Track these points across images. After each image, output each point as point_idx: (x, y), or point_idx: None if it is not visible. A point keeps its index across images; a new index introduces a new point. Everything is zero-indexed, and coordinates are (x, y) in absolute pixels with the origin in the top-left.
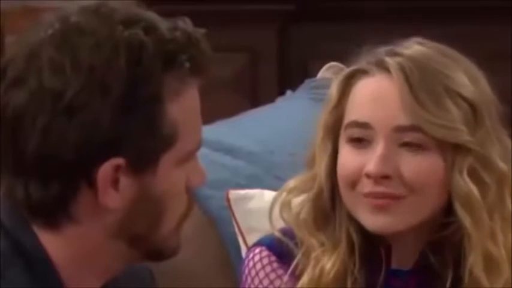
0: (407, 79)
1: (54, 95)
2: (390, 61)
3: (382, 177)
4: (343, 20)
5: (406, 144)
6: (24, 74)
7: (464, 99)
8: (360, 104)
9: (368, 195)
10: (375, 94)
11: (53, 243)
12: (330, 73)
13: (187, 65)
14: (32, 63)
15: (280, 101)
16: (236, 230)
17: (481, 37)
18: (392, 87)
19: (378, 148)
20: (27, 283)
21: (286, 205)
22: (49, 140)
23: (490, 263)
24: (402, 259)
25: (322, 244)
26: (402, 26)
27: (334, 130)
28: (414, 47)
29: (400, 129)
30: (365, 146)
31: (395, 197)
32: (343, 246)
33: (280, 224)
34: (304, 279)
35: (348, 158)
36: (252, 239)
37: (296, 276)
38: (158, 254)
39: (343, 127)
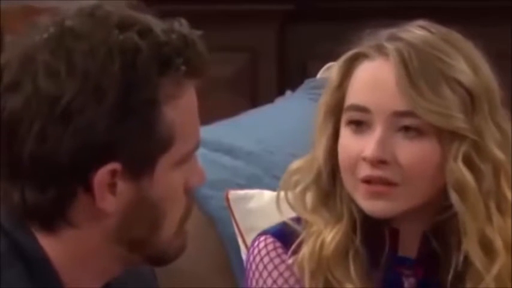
0: (405, 65)
1: (50, 99)
2: (389, 46)
3: (379, 162)
4: (342, 20)
5: (404, 129)
6: (19, 78)
7: (462, 85)
8: (360, 88)
9: (365, 179)
10: (374, 79)
11: (52, 246)
12: (330, 73)
13: (183, 68)
14: (27, 68)
15: (279, 101)
16: (236, 230)
17: (481, 37)
18: (390, 73)
19: (376, 133)
20: (26, 284)
21: (291, 186)
22: (45, 145)
23: (486, 249)
24: (407, 244)
25: (324, 220)
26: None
27: (334, 112)
28: (415, 31)
29: (397, 115)
30: (364, 130)
31: (390, 184)
32: (345, 220)
33: (286, 212)
34: (304, 251)
35: (348, 141)
36: (251, 239)
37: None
38: (161, 258)
39: (344, 110)
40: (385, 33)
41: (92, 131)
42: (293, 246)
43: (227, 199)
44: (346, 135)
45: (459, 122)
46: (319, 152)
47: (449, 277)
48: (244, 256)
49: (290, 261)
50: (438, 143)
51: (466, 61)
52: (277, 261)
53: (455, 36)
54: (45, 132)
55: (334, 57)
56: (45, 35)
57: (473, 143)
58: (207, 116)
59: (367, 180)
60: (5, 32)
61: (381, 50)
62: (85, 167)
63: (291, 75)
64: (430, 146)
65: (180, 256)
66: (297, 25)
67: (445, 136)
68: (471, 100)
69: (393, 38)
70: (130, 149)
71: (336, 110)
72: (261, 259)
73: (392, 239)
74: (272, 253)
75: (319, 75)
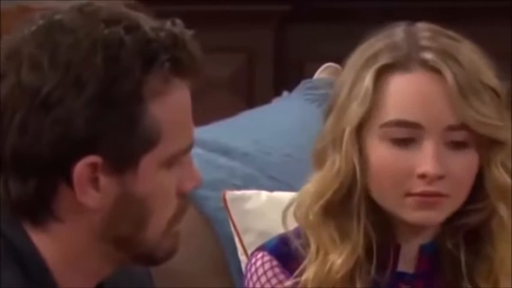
0: (455, 77)
1: (31, 90)
2: (432, 58)
3: (438, 178)
4: (339, 20)
5: (452, 143)
6: (5, 70)
7: (495, 91)
8: (405, 102)
9: (420, 194)
10: (419, 92)
11: (43, 242)
12: (327, 74)
13: (167, 64)
14: (13, 59)
15: (276, 102)
16: (232, 230)
17: (481, 37)
18: (438, 86)
19: (430, 148)
20: (22, 285)
21: (301, 205)
22: (25, 136)
23: None
24: (406, 258)
25: (332, 239)
26: None
27: (361, 127)
28: (440, 39)
29: (450, 129)
30: (409, 146)
31: (443, 196)
32: (360, 243)
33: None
34: (310, 272)
35: (393, 157)
36: (248, 240)
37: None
38: (149, 258)
39: (378, 125)
40: (404, 41)
41: (70, 122)
42: (296, 272)
43: (224, 199)
44: (388, 151)
45: (504, 131)
46: (351, 167)
47: (464, 272)
48: (241, 256)
49: (290, 282)
50: (477, 152)
51: (485, 64)
52: (274, 281)
53: (455, 34)
54: (26, 124)
55: (331, 58)
56: (33, 28)
57: (507, 149)
58: (204, 117)
59: (422, 194)
60: (4, 32)
61: (422, 62)
62: (65, 159)
63: (288, 75)
64: (472, 156)
65: (172, 257)
66: (294, 26)
67: (485, 144)
68: (500, 105)
69: (425, 48)
70: (111, 143)
71: (363, 124)
72: (258, 278)
73: (394, 254)
74: (269, 273)
75: (316, 76)
